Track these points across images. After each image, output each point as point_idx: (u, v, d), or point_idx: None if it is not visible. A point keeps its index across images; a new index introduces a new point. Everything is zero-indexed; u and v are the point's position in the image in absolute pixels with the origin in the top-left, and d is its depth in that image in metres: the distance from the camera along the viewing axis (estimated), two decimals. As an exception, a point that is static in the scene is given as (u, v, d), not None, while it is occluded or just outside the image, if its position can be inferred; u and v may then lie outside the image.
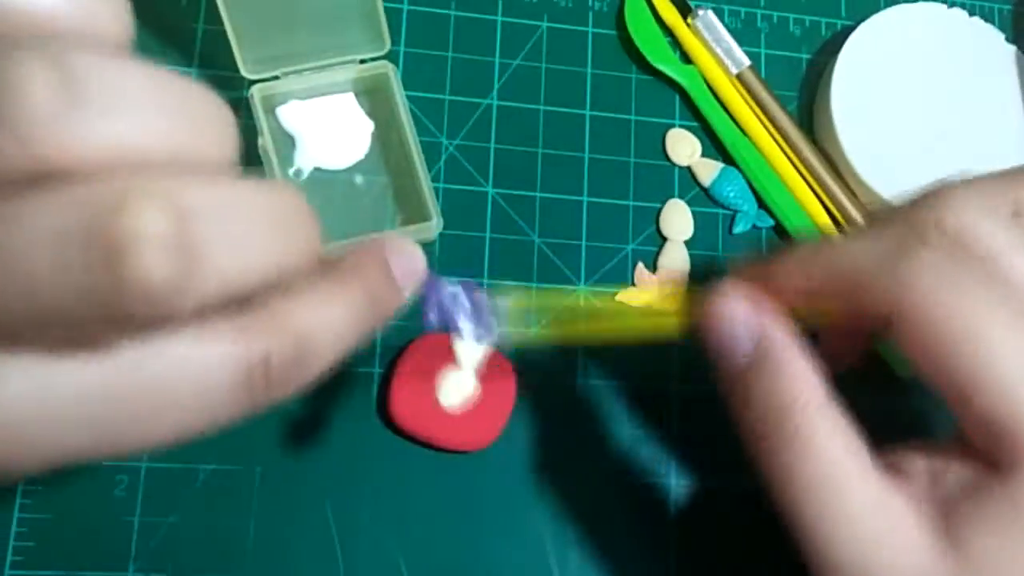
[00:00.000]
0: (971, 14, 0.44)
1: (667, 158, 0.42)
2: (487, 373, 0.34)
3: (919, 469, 0.25)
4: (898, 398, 0.41)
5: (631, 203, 0.41)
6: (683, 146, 0.42)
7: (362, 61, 0.38)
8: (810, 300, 0.27)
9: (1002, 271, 0.24)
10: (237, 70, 0.36)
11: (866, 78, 0.42)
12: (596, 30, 0.43)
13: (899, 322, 0.24)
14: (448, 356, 0.34)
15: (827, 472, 0.24)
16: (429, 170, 0.37)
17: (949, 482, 0.24)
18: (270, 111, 0.38)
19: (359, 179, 0.39)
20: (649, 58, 0.42)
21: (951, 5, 0.44)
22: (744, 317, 0.27)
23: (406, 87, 0.38)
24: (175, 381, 0.18)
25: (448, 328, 0.28)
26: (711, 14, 0.43)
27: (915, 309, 0.24)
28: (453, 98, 0.41)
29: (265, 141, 0.36)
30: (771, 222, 0.42)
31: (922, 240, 0.25)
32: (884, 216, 0.29)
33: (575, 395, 0.38)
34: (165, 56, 0.39)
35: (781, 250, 0.29)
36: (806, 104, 0.44)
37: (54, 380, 0.17)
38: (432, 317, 0.27)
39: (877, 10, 0.43)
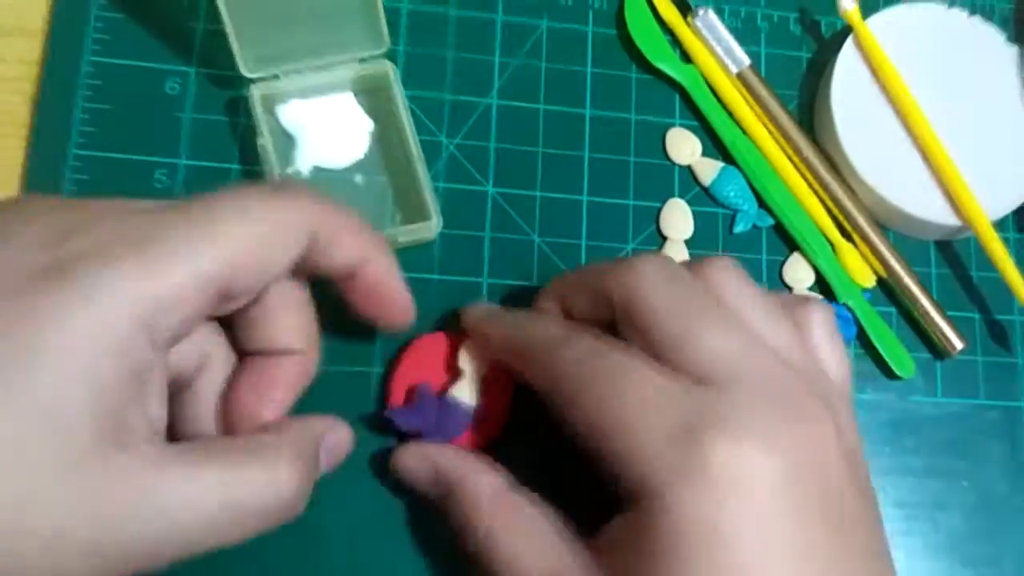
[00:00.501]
0: (971, 13, 0.44)
1: (667, 157, 0.42)
2: (487, 374, 0.34)
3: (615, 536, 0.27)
4: (896, 396, 0.41)
5: (631, 202, 0.41)
6: (683, 145, 0.42)
7: (362, 60, 0.38)
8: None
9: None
10: (237, 69, 0.36)
11: (866, 78, 0.42)
12: (596, 29, 0.43)
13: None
14: (447, 357, 0.35)
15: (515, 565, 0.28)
16: (429, 169, 0.37)
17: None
18: (270, 110, 0.38)
19: (359, 178, 0.39)
20: (649, 57, 0.42)
21: (951, 4, 0.44)
22: (417, 464, 0.33)
23: (406, 86, 0.38)
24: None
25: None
26: (711, 13, 0.42)
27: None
28: (453, 97, 0.41)
29: (265, 140, 0.36)
30: (771, 221, 0.42)
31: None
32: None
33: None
34: (165, 55, 0.39)
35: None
36: (806, 103, 0.44)
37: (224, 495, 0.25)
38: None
39: (877, 10, 0.43)
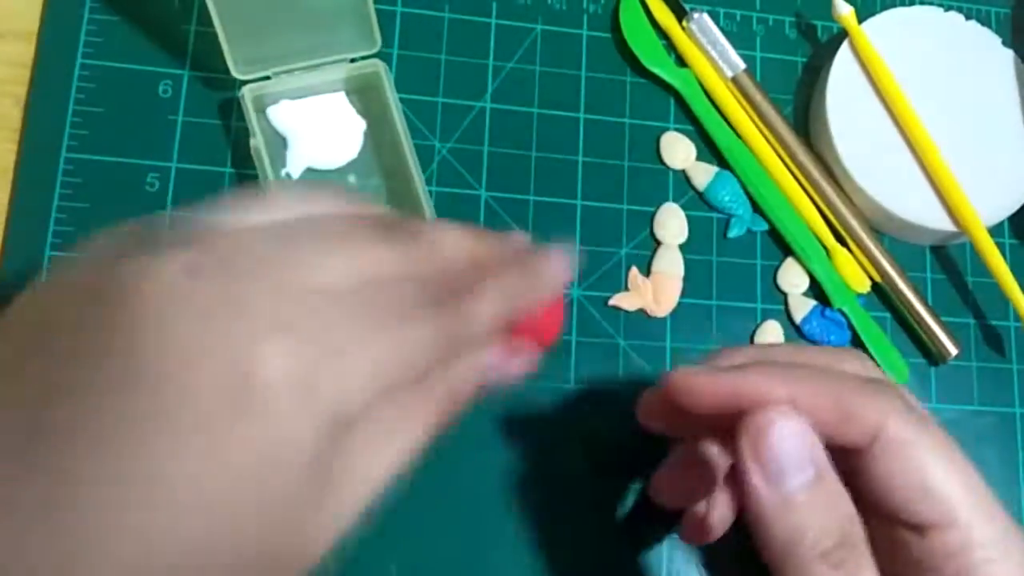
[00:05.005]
0: (968, 17, 0.44)
1: (661, 162, 0.42)
2: None
3: None
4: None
5: (625, 207, 0.41)
6: (678, 149, 0.42)
7: (353, 60, 0.38)
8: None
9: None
10: (228, 71, 0.36)
11: (862, 82, 0.42)
12: (591, 33, 0.43)
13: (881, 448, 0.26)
14: None
15: None
16: (422, 172, 0.37)
17: None
18: (261, 111, 0.38)
19: (352, 179, 0.39)
20: (644, 61, 0.42)
21: (947, 8, 0.44)
22: (799, 435, 0.25)
23: (399, 90, 0.38)
24: None
25: None
26: (706, 17, 0.42)
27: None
28: (446, 101, 0.40)
29: (257, 142, 0.36)
30: (766, 226, 0.41)
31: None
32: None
33: (569, 397, 0.38)
34: (157, 58, 0.39)
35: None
36: (802, 107, 0.44)
37: None
38: None
39: (873, 13, 0.43)
